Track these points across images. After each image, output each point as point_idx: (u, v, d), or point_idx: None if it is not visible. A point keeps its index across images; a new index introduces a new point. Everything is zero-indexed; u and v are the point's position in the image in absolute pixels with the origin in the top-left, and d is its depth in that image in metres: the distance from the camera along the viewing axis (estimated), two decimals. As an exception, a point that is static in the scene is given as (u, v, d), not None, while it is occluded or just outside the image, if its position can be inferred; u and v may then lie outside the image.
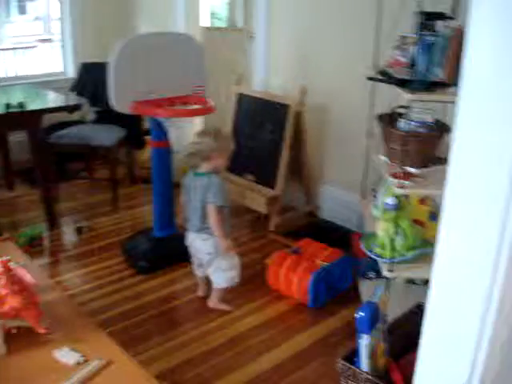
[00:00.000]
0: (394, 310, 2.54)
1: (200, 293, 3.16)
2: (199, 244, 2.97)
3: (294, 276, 3.02)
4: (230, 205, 3.07)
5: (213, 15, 6.33)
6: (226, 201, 2.94)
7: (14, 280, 1.85)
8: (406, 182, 2.41)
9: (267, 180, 3.91)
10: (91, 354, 1.75)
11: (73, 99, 4.36)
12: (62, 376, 1.63)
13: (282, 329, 2.89)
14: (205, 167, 2.91)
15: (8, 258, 1.90)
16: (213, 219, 2.85)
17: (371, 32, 3.09)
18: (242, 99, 4.16)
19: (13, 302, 1.83)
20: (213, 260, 2.97)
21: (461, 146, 1.32)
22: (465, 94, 1.28)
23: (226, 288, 3.03)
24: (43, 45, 5.93)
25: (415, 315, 2.53)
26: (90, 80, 4.66)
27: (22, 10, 9.82)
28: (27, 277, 1.95)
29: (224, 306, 3.05)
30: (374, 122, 3.01)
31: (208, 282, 3.13)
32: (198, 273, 3.11)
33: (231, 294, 3.15)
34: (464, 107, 1.30)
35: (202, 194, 2.87)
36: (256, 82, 4.48)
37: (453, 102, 2.69)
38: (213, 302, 3.06)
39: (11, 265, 1.88)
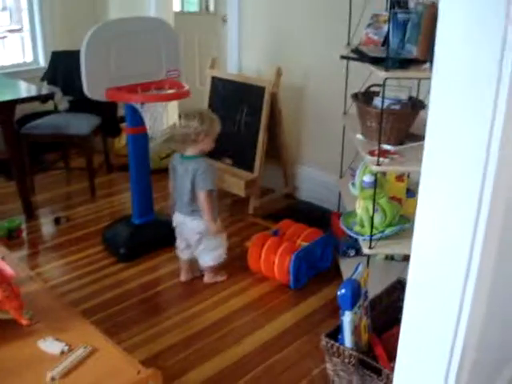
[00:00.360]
0: (374, 287, 2.57)
1: (182, 278, 3.17)
2: (189, 225, 2.99)
3: (274, 257, 3.03)
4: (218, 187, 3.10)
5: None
6: (215, 184, 2.98)
7: (-7, 272, 1.84)
8: (383, 160, 2.42)
9: (245, 163, 3.91)
10: (75, 343, 1.75)
11: (45, 88, 4.30)
12: (48, 366, 1.63)
13: (265, 310, 2.91)
14: (191, 150, 2.93)
15: (-14, 250, 1.88)
16: (203, 204, 2.89)
17: (345, 10, 3.09)
18: (217, 83, 4.14)
19: (-7, 295, 1.82)
20: (201, 240, 3.01)
21: (435, 122, 1.34)
22: (438, 70, 1.30)
23: (213, 266, 3.08)
24: (12, 35, 5.81)
25: (396, 290, 2.56)
26: (62, 69, 4.59)
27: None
28: (6, 269, 1.93)
29: (219, 278, 3.14)
30: (349, 100, 3.03)
31: (191, 265, 3.15)
32: (184, 255, 3.12)
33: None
34: (437, 83, 1.31)
35: (191, 178, 2.89)
36: (230, 64, 4.45)
37: (427, 79, 2.72)
38: (208, 278, 3.14)
39: (-11, 257, 1.86)
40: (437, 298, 1.45)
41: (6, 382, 1.60)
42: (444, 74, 1.28)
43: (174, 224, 3.09)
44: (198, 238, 3.00)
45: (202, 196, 2.88)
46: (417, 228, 1.48)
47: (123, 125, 4.65)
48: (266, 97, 3.73)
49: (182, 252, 3.12)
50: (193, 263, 3.16)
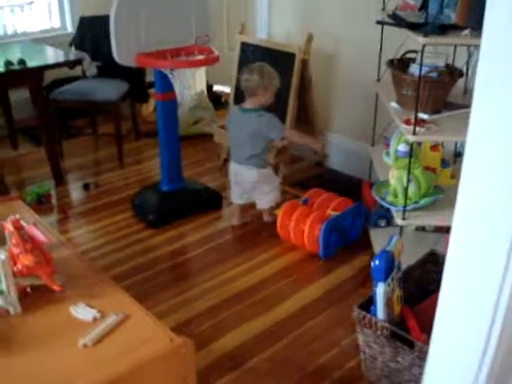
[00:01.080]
0: (406, 257, 2.53)
1: (234, 221, 3.40)
2: (244, 174, 3.23)
3: (304, 226, 3.00)
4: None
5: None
6: (284, 128, 3.25)
7: (25, 238, 1.84)
8: (419, 129, 2.36)
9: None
10: (107, 309, 1.74)
11: (73, 54, 4.27)
12: (80, 332, 1.62)
13: (295, 279, 2.90)
14: (251, 103, 3.14)
15: (18, 216, 1.88)
16: (295, 139, 3.36)
17: (379, -27, 3.00)
18: (246, 48, 4.06)
19: (25, 261, 1.82)
20: (256, 187, 3.25)
21: (484, 90, 1.27)
22: (488, 37, 1.23)
23: (269, 208, 3.34)
24: (40, 0, 5.78)
25: (428, 262, 2.52)
26: (90, 34, 4.55)
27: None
28: (38, 235, 1.93)
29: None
30: (383, 67, 2.95)
31: (243, 210, 3.43)
32: (239, 201, 3.36)
33: (243, 245, 3.18)
34: (487, 50, 1.25)
35: (254, 129, 3.10)
36: (260, 29, 4.37)
37: (467, 45, 2.64)
38: (266, 217, 3.40)
39: (21, 223, 1.86)
40: (477, 272, 1.41)
41: (39, 348, 1.60)
42: (494, 41, 1.21)
43: (230, 172, 3.33)
44: (252, 187, 3.25)
45: (279, 144, 3.29)
46: (459, 199, 1.42)
47: (151, 91, 4.63)
48: (297, 63, 3.65)
49: (238, 198, 3.35)
50: (244, 208, 3.42)
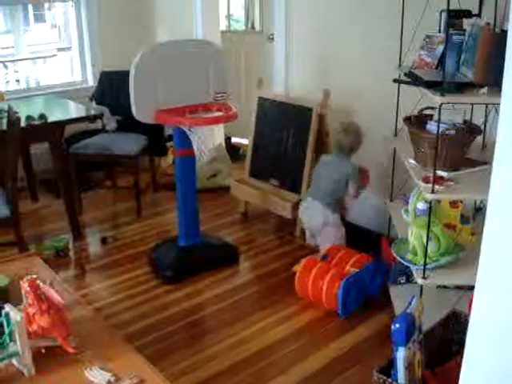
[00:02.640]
0: (426, 315, 2.48)
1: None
2: (312, 212, 3.41)
3: (322, 283, 2.96)
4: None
5: (230, 17, 6.29)
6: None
7: (41, 299, 1.83)
8: (438, 187, 2.34)
9: (292, 185, 3.86)
10: (122, 373, 1.72)
11: (94, 109, 4.35)
12: (94, 397, 1.60)
13: (312, 338, 2.84)
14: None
15: (35, 276, 1.88)
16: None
17: (395, 31, 3.03)
18: (264, 102, 4.11)
19: (41, 321, 1.81)
20: (322, 228, 3.41)
21: (506, 147, 1.26)
22: (508, 94, 1.22)
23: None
24: (62, 53, 5.94)
25: (450, 322, 2.46)
26: (111, 88, 4.65)
27: (40, 19, 9.88)
28: (54, 295, 1.93)
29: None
30: (400, 122, 2.95)
31: None
32: (311, 242, 3.61)
33: (260, 302, 3.13)
34: (507, 108, 1.24)
35: (339, 176, 3.37)
36: (277, 84, 4.42)
37: (485, 104, 2.63)
38: None
39: (38, 283, 1.86)
40: (503, 334, 1.36)
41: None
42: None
43: (300, 212, 3.54)
44: (319, 227, 3.41)
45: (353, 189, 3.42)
46: (482, 258, 1.38)
47: (170, 144, 4.68)
48: (314, 118, 3.68)
49: (309, 239, 3.62)
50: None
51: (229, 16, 6.25)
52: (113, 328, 2.40)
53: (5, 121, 3.54)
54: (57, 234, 3.90)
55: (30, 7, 8.05)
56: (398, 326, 1.97)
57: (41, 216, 4.36)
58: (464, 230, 2.75)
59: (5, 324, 1.75)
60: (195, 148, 3.14)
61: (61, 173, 3.88)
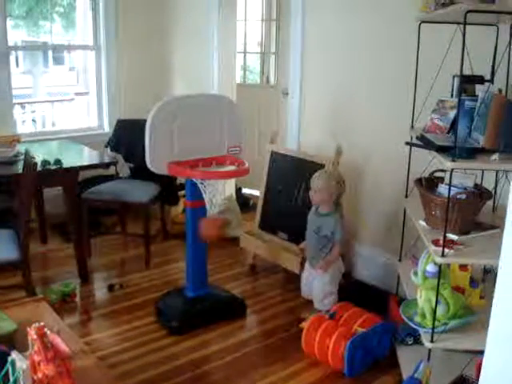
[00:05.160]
0: (435, 380, 2.45)
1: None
2: (315, 279, 3.39)
3: (329, 342, 2.93)
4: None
5: (246, 68, 6.43)
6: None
7: (47, 347, 1.83)
8: (448, 251, 2.34)
9: (301, 239, 3.85)
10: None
11: (108, 155, 4.42)
12: None
13: (317, 398, 2.80)
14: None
15: (43, 324, 1.88)
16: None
17: (408, 94, 3.09)
18: (276, 157, 4.16)
19: (46, 370, 1.80)
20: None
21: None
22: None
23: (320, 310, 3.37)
24: (79, 98, 6.07)
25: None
26: (125, 136, 4.73)
27: (59, 61, 10.13)
28: (61, 344, 1.92)
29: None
30: (411, 183, 2.98)
31: None
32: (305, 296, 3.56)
33: (266, 358, 3.10)
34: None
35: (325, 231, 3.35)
36: (290, 139, 4.49)
37: (496, 170, 2.66)
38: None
39: (45, 331, 1.86)
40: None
41: None
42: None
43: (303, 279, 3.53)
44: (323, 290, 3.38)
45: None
46: (492, 325, 1.37)
47: (181, 193, 4.72)
48: (326, 174, 3.71)
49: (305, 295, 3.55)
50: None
51: (245, 67, 6.39)
52: (116, 378, 2.38)
53: (21, 164, 3.61)
54: (64, 278, 3.90)
55: (50, 50, 8.28)
56: (405, 391, 1.95)
57: (49, 259, 4.38)
58: (473, 293, 2.74)
59: (10, 371, 1.74)
60: (206, 200, 3.17)
61: (72, 217, 3.91)
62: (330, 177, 3.37)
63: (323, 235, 3.35)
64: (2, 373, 1.76)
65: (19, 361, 1.71)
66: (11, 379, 1.73)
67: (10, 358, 1.75)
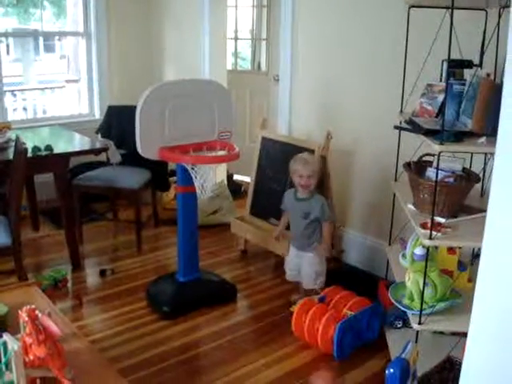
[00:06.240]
0: (422, 362, 2.48)
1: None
2: (305, 260, 3.42)
3: (318, 325, 2.96)
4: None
5: (237, 54, 6.42)
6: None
7: (39, 329, 1.85)
8: (436, 233, 2.37)
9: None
10: (115, 408, 1.72)
11: (99, 142, 4.41)
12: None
13: (306, 381, 2.82)
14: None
15: (33, 306, 1.89)
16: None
17: (397, 78, 3.11)
18: (267, 143, 4.17)
19: (38, 352, 1.82)
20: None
21: (499, 198, 1.30)
22: (502, 145, 1.27)
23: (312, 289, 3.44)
24: (70, 85, 6.05)
25: (445, 369, 2.46)
26: (117, 123, 4.72)
27: (50, 49, 10.08)
28: (52, 326, 1.94)
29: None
30: (400, 167, 3.00)
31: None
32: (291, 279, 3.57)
33: (257, 342, 3.12)
34: (501, 159, 1.29)
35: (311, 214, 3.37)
36: (280, 125, 4.50)
37: (482, 153, 2.68)
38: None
39: (36, 313, 1.87)
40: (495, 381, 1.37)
41: None
42: (509, 150, 1.25)
43: (288, 258, 3.55)
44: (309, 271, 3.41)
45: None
46: (475, 304, 1.40)
47: (172, 179, 4.73)
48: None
49: (291, 277, 3.56)
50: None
51: (236, 54, 6.38)
52: (108, 361, 2.40)
53: (11, 150, 3.60)
54: (56, 265, 3.91)
55: (40, 37, 8.23)
56: (392, 371, 1.98)
57: (41, 245, 4.38)
58: (461, 276, 2.77)
59: (1, 353, 1.76)
60: (197, 185, 3.18)
61: (63, 203, 3.91)
62: (319, 161, 3.40)
63: (313, 219, 3.36)
64: (-6, 355, 1.78)
65: (11, 342, 1.72)
66: (3, 360, 1.75)
67: (1, 340, 1.76)
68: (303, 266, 3.44)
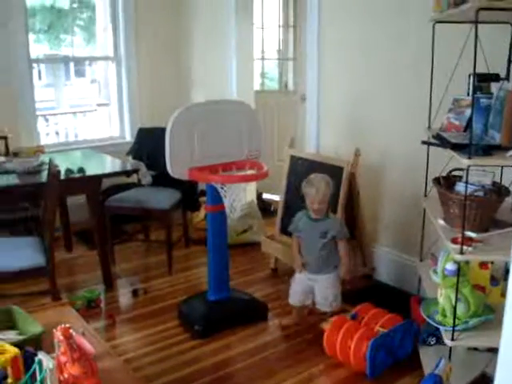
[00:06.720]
0: (456, 379, 2.45)
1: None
2: (321, 284, 3.33)
3: (351, 343, 2.94)
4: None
5: (264, 75, 6.48)
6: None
7: (73, 348, 1.88)
8: (467, 248, 2.34)
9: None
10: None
11: (130, 163, 4.48)
12: None
13: (340, 399, 2.81)
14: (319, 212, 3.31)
15: (68, 325, 1.93)
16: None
17: (424, 93, 3.10)
18: (295, 161, 4.19)
19: (72, 370, 1.85)
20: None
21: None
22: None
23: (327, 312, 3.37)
24: (101, 109, 6.17)
25: (480, 386, 2.42)
26: (147, 144, 4.79)
27: (81, 74, 10.28)
28: (86, 345, 1.97)
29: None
30: (430, 183, 2.99)
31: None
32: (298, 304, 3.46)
33: (288, 360, 3.12)
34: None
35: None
36: (309, 143, 4.51)
37: (512, 166, 2.65)
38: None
39: (70, 332, 1.91)
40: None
41: None
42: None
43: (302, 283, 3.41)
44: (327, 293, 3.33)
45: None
46: (506, 321, 1.38)
47: (202, 199, 4.77)
48: (344, 177, 3.73)
49: (299, 302, 3.44)
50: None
51: (263, 74, 6.44)
52: (141, 380, 2.42)
53: (45, 173, 3.69)
54: (89, 285, 3.97)
55: (71, 62, 8.42)
56: (425, 387, 1.96)
57: (74, 266, 4.45)
58: (494, 291, 2.74)
59: (37, 371, 1.79)
60: (226, 204, 3.21)
61: (96, 224, 3.98)
62: (330, 182, 3.31)
63: (330, 238, 3.29)
64: (29, 373, 1.81)
65: (46, 360, 1.76)
66: (38, 378, 1.78)
67: (36, 359, 1.79)
68: (319, 289, 3.34)
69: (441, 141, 2.64)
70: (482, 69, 2.62)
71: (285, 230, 4.20)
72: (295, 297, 3.44)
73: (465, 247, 2.35)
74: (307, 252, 3.38)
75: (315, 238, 3.31)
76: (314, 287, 3.37)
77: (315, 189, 3.24)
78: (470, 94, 2.81)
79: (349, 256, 3.43)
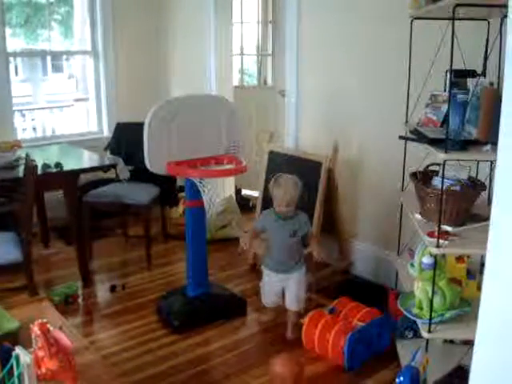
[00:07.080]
0: (433, 371, 2.48)
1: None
2: (292, 282, 3.26)
3: (329, 336, 2.96)
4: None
5: (243, 70, 6.48)
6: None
7: (50, 342, 1.87)
8: (443, 241, 2.37)
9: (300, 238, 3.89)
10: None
11: (108, 159, 4.45)
12: None
13: (318, 392, 2.82)
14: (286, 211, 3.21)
15: (45, 320, 1.91)
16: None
17: (402, 89, 3.13)
18: (274, 156, 4.20)
19: (49, 365, 1.84)
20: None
21: (502, 204, 1.31)
22: (503, 151, 1.28)
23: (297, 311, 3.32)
24: (79, 103, 6.11)
25: (456, 377, 2.46)
26: (125, 139, 4.77)
27: (58, 69, 10.16)
28: (64, 339, 1.96)
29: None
30: (407, 177, 3.01)
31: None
32: (273, 305, 3.42)
33: (267, 354, 3.10)
34: (503, 166, 1.30)
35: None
36: (287, 138, 4.52)
37: (488, 161, 2.69)
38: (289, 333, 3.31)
39: (48, 327, 1.89)
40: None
41: None
42: (509, 156, 1.27)
43: (270, 283, 3.35)
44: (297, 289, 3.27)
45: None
46: (481, 313, 1.41)
47: (181, 194, 4.76)
48: (323, 172, 3.75)
49: (273, 303, 3.40)
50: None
51: (242, 70, 6.43)
52: (119, 375, 2.42)
53: (22, 168, 3.65)
54: (66, 281, 3.93)
55: (48, 57, 8.33)
56: (401, 378, 1.98)
57: (51, 262, 4.41)
58: (470, 284, 2.77)
59: (14, 366, 1.78)
60: (205, 200, 3.21)
61: (73, 220, 3.95)
62: (298, 183, 3.22)
63: (301, 236, 3.24)
64: (6, 368, 1.80)
65: (23, 356, 1.74)
66: (15, 373, 1.77)
67: (13, 354, 1.78)
68: (290, 287, 3.27)
69: (418, 136, 2.66)
70: (458, 65, 2.65)
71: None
72: (268, 298, 3.39)
73: (441, 241, 2.38)
74: (277, 251, 3.27)
75: (285, 237, 3.21)
76: (284, 288, 3.31)
77: (283, 190, 3.15)
78: (447, 89, 2.85)
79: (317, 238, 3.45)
